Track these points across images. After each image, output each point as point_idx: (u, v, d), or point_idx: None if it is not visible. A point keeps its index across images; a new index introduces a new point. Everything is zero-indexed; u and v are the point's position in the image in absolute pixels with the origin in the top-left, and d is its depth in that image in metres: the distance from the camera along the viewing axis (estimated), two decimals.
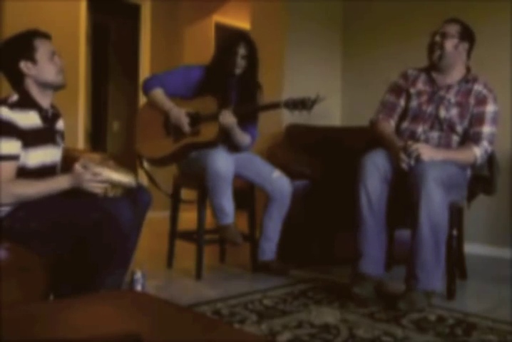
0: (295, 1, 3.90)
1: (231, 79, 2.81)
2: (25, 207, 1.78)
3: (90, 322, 1.07)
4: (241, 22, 5.60)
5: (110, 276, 1.81)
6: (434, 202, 2.10)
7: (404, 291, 2.18)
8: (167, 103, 2.72)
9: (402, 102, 2.54)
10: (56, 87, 1.95)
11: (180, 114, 2.68)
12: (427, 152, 2.21)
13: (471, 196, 2.61)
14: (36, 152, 1.83)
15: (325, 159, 3.16)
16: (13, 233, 1.73)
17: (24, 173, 1.80)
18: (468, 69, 2.49)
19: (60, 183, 1.82)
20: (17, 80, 1.89)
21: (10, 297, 1.59)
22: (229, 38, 2.86)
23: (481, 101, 2.39)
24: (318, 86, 4.06)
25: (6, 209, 1.76)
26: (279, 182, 2.72)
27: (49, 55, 1.90)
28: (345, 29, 4.24)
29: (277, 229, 2.78)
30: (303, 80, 3.93)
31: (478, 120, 2.37)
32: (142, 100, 2.95)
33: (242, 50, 2.75)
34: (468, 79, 2.44)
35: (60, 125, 2.04)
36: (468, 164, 2.39)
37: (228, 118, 2.62)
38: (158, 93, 2.75)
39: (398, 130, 2.53)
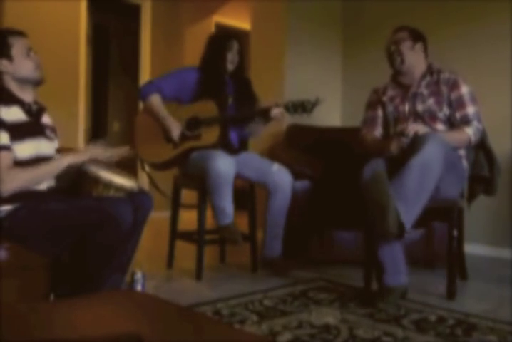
0: (295, 1, 3.90)
1: (225, 75, 2.85)
2: (25, 207, 1.78)
3: (90, 322, 1.07)
4: (241, 22, 5.60)
5: (110, 276, 1.81)
6: (429, 151, 2.09)
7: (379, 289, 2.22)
8: (162, 112, 2.75)
9: (380, 112, 2.64)
10: (35, 83, 1.96)
11: (172, 126, 2.71)
12: (422, 129, 2.27)
13: (472, 196, 2.61)
14: (23, 145, 1.83)
15: (325, 159, 3.16)
16: (14, 233, 1.73)
17: (17, 166, 1.81)
18: (429, 65, 2.57)
19: (62, 160, 1.86)
20: None
21: (10, 297, 1.59)
22: (220, 35, 2.94)
23: (454, 86, 2.46)
24: (318, 86, 4.07)
25: (6, 209, 1.77)
26: (279, 174, 2.73)
27: (24, 51, 1.92)
28: (345, 29, 4.24)
29: (282, 223, 2.77)
30: (303, 80, 3.94)
31: (460, 103, 2.44)
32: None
33: (236, 45, 2.82)
34: (432, 71, 2.53)
35: (47, 119, 2.04)
36: (465, 143, 2.42)
37: (280, 114, 2.67)
38: (155, 100, 2.77)
39: (387, 137, 2.57)
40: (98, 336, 0.96)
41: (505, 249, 3.27)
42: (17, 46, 1.90)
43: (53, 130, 2.05)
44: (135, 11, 5.11)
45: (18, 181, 1.76)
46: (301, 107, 2.59)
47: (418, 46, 2.53)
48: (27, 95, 1.94)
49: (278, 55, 3.87)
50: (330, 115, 4.10)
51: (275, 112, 2.65)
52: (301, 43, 3.96)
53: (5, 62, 1.88)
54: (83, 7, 4.57)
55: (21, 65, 1.90)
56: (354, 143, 2.87)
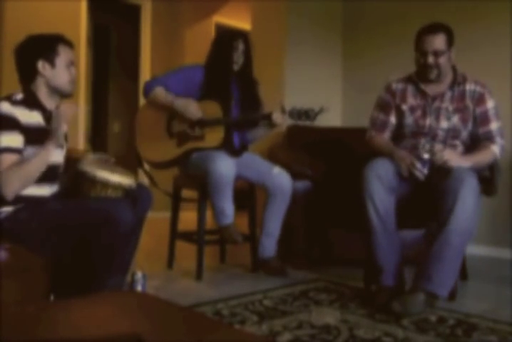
0: (295, 1, 3.90)
1: (231, 76, 2.80)
2: (26, 209, 1.78)
3: (90, 322, 1.07)
4: (241, 23, 5.60)
5: (111, 276, 1.81)
6: (468, 209, 2.06)
7: (403, 292, 2.15)
8: (170, 97, 2.69)
9: (393, 119, 2.50)
10: (64, 95, 1.97)
11: (187, 102, 2.65)
12: (454, 159, 2.19)
13: None
14: (34, 151, 1.82)
15: (326, 159, 3.16)
16: (14, 234, 1.73)
17: None
18: (454, 69, 2.44)
19: (47, 147, 1.81)
20: (29, 78, 1.90)
21: (10, 297, 1.59)
22: (226, 35, 2.85)
23: (480, 100, 2.37)
24: (318, 86, 4.07)
25: (7, 210, 1.77)
26: (279, 178, 2.72)
27: (67, 63, 1.94)
28: (345, 30, 4.24)
29: (278, 225, 2.77)
30: (303, 80, 3.94)
31: (484, 119, 2.37)
32: (143, 100, 2.93)
33: (241, 46, 2.76)
34: (459, 81, 2.40)
35: (64, 126, 2.04)
36: (490, 162, 2.39)
37: (283, 120, 2.65)
38: (159, 91, 2.71)
39: (396, 145, 2.48)
40: (99, 336, 0.96)
41: (505, 249, 3.27)
42: (63, 56, 1.92)
43: (66, 137, 2.05)
44: (135, 11, 5.11)
45: (14, 183, 1.72)
46: (305, 115, 2.59)
47: (452, 55, 2.37)
48: (51, 103, 1.94)
49: (278, 55, 3.87)
50: (330, 115, 4.09)
51: (276, 116, 2.62)
52: (302, 43, 3.96)
53: (47, 66, 1.89)
54: (83, 7, 4.57)
55: (59, 75, 1.92)
56: (354, 143, 2.87)
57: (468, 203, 2.06)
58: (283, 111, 2.64)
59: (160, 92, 2.71)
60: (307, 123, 2.64)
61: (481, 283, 2.65)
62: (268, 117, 2.65)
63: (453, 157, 2.20)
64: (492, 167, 2.56)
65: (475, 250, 3.29)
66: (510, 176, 3.20)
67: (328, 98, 4.05)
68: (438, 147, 2.26)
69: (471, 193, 2.07)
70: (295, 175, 2.84)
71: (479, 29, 3.44)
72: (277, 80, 3.85)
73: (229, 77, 2.79)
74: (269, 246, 2.78)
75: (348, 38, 4.23)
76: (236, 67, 2.78)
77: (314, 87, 4.00)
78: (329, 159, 3.16)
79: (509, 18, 3.31)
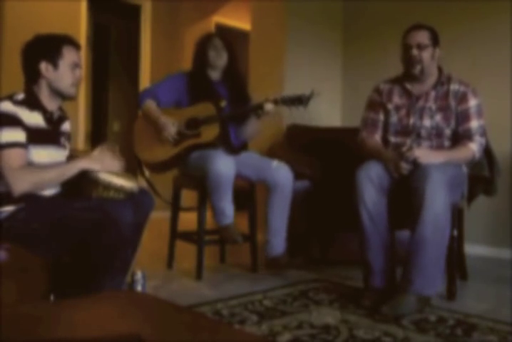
0: (295, 1, 3.90)
1: (212, 79, 2.87)
2: (26, 209, 1.78)
3: (90, 322, 1.07)
4: (241, 23, 5.60)
5: (111, 277, 1.81)
6: (438, 204, 2.08)
7: (392, 294, 2.13)
8: (155, 113, 2.75)
9: (382, 117, 2.55)
10: (66, 98, 1.95)
11: (167, 124, 2.70)
12: (424, 155, 2.22)
13: (472, 197, 2.61)
14: (38, 150, 1.83)
15: (325, 159, 3.16)
16: (14, 234, 1.73)
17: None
18: (440, 70, 2.48)
19: (75, 164, 1.84)
20: (32, 78, 1.90)
21: (10, 297, 1.59)
22: (200, 38, 3.00)
23: (462, 99, 2.40)
24: (318, 86, 4.05)
25: (7, 210, 1.77)
26: (279, 171, 2.72)
27: (72, 65, 1.91)
28: (345, 29, 4.24)
29: (284, 221, 2.74)
30: (303, 80, 3.93)
31: (465, 117, 2.39)
32: None
33: (218, 42, 2.85)
34: (443, 81, 2.44)
35: (66, 127, 2.04)
36: (469, 160, 2.40)
37: (272, 108, 2.67)
38: (149, 104, 2.79)
39: (385, 144, 2.52)
40: (99, 336, 0.96)
41: (505, 249, 3.27)
42: (67, 58, 1.90)
43: (68, 137, 2.05)
44: (135, 11, 5.12)
45: (26, 183, 1.74)
46: (298, 100, 2.60)
47: (436, 53, 2.42)
48: (52, 104, 1.93)
49: (278, 55, 3.87)
50: (330, 115, 4.10)
51: (268, 107, 2.64)
52: (302, 43, 3.96)
53: (50, 68, 1.88)
54: (83, 7, 4.57)
55: (62, 77, 1.89)
56: (354, 143, 2.87)
57: (436, 199, 2.08)
58: (269, 100, 2.65)
59: (149, 106, 2.79)
60: (301, 109, 2.65)
61: (481, 283, 2.65)
62: (260, 107, 2.67)
63: (424, 154, 2.24)
64: (492, 167, 2.57)
65: (476, 250, 3.29)
66: (510, 176, 3.21)
67: (328, 98, 4.05)
68: (412, 146, 2.34)
69: (438, 188, 2.09)
70: (295, 175, 2.84)
71: (479, 29, 3.44)
72: (277, 80, 3.85)
73: (210, 80, 2.85)
74: (277, 244, 2.75)
75: (348, 38, 4.23)
76: (221, 62, 2.84)
77: (313, 87, 3.99)
78: (328, 159, 3.16)
79: (509, 18, 3.31)
